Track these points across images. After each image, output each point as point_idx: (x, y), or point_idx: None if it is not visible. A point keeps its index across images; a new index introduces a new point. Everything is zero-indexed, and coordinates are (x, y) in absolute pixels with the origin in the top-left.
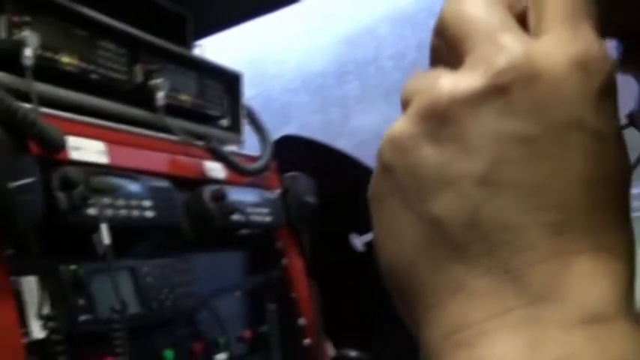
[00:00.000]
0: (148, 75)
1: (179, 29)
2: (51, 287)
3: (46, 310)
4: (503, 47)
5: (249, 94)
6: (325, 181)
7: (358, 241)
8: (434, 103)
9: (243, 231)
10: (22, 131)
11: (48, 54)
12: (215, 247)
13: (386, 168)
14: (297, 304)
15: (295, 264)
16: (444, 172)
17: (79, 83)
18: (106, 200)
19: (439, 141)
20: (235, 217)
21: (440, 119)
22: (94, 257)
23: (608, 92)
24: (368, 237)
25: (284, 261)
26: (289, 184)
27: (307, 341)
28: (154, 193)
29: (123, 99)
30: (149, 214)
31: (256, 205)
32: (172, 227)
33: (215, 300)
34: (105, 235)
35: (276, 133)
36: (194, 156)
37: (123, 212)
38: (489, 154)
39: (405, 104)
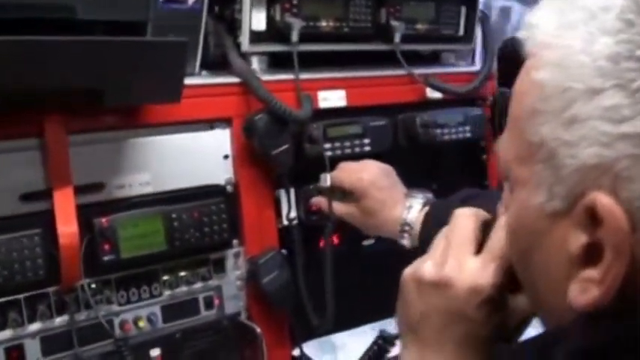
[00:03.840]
0: (390, 15)
1: None
2: (295, 197)
3: (291, 210)
4: (449, 267)
5: None
6: None
7: None
8: (415, 273)
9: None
10: (282, 117)
11: (311, 23)
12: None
13: (404, 284)
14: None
15: (493, 160)
16: (412, 302)
17: (334, 38)
18: (337, 144)
19: (416, 290)
20: (439, 138)
21: (416, 281)
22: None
23: (483, 302)
24: None
25: (484, 157)
26: (497, 98)
27: None
28: (372, 131)
29: (366, 41)
30: (366, 148)
31: (460, 124)
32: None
33: None
34: (327, 178)
35: None
36: (416, 83)
37: (347, 150)
38: (423, 308)
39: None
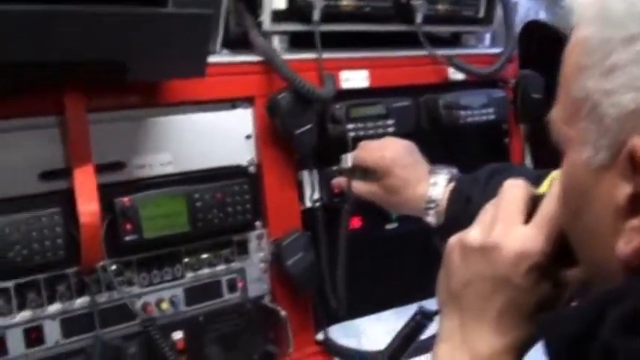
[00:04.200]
0: None
1: None
2: (319, 178)
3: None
4: (497, 231)
5: None
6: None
7: None
8: (462, 240)
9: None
10: (305, 96)
11: (332, 2)
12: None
13: (449, 251)
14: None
15: (515, 143)
16: (456, 270)
17: (355, 18)
18: (360, 125)
19: (461, 257)
20: (463, 120)
21: (462, 248)
22: None
23: (531, 269)
24: None
25: (506, 140)
26: (520, 80)
27: None
28: (395, 112)
29: (387, 21)
30: (390, 129)
31: (483, 106)
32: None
33: None
34: (349, 159)
35: None
36: (438, 64)
37: (371, 132)
38: (468, 275)
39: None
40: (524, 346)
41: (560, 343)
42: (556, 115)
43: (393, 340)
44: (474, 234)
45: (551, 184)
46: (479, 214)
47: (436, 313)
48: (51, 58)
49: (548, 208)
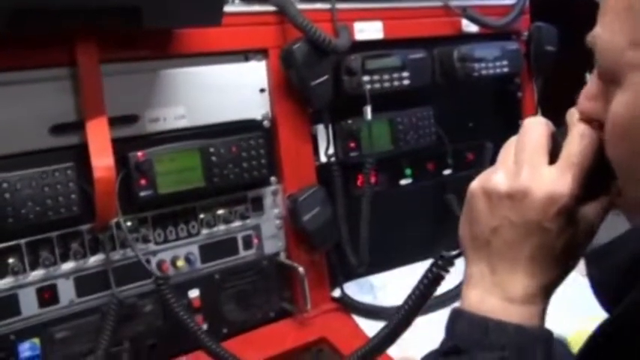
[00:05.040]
0: None
1: None
2: (334, 133)
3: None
4: (524, 175)
5: None
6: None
7: None
8: (485, 185)
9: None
10: (321, 47)
11: None
12: (458, 93)
13: (472, 198)
14: None
15: (528, 97)
16: (481, 216)
17: None
18: (375, 77)
19: (486, 203)
20: (477, 72)
21: (486, 193)
22: (361, 115)
23: (560, 212)
24: None
25: (519, 94)
26: (533, 32)
27: None
28: (410, 64)
29: None
30: (405, 82)
31: (497, 58)
32: (423, 88)
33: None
34: (368, 112)
35: None
36: (452, 15)
37: (386, 84)
38: (495, 221)
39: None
40: (553, 286)
41: (611, 275)
42: (613, 40)
43: (416, 288)
44: (500, 179)
45: (571, 120)
46: (499, 155)
47: (457, 255)
48: (62, 4)
49: (573, 148)
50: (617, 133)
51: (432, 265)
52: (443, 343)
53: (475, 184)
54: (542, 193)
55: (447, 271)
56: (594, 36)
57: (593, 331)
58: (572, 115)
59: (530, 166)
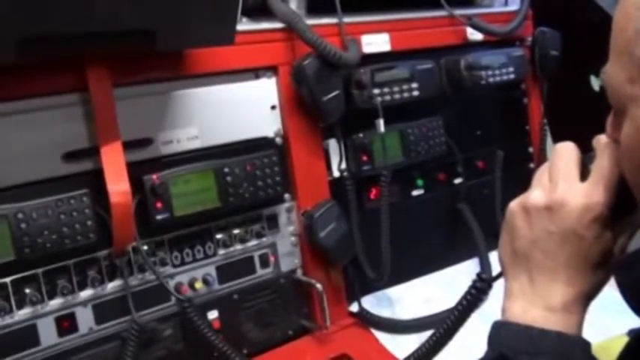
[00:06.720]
0: None
1: None
2: (345, 148)
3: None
4: (561, 189)
5: None
6: (570, 24)
7: (596, 83)
8: (524, 202)
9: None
10: (331, 61)
11: None
12: (466, 102)
13: (511, 216)
14: (528, 135)
15: (534, 103)
16: (521, 231)
17: None
18: (385, 90)
19: (525, 218)
20: (485, 80)
21: (525, 209)
22: (372, 128)
23: (595, 220)
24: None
25: (525, 100)
26: (537, 37)
27: (532, 165)
28: (419, 75)
29: None
30: (415, 93)
31: (503, 65)
32: (432, 98)
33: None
34: (381, 125)
35: None
36: (457, 25)
37: (396, 96)
38: (534, 234)
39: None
40: (592, 294)
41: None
42: (616, 76)
43: (453, 310)
44: (536, 195)
45: (598, 145)
46: (533, 178)
47: (497, 277)
48: (74, 28)
49: (602, 164)
50: (624, 153)
51: (471, 287)
52: (487, 354)
53: (514, 203)
54: (578, 203)
55: (487, 293)
56: (604, 72)
57: (631, 337)
58: (599, 140)
59: (565, 182)
